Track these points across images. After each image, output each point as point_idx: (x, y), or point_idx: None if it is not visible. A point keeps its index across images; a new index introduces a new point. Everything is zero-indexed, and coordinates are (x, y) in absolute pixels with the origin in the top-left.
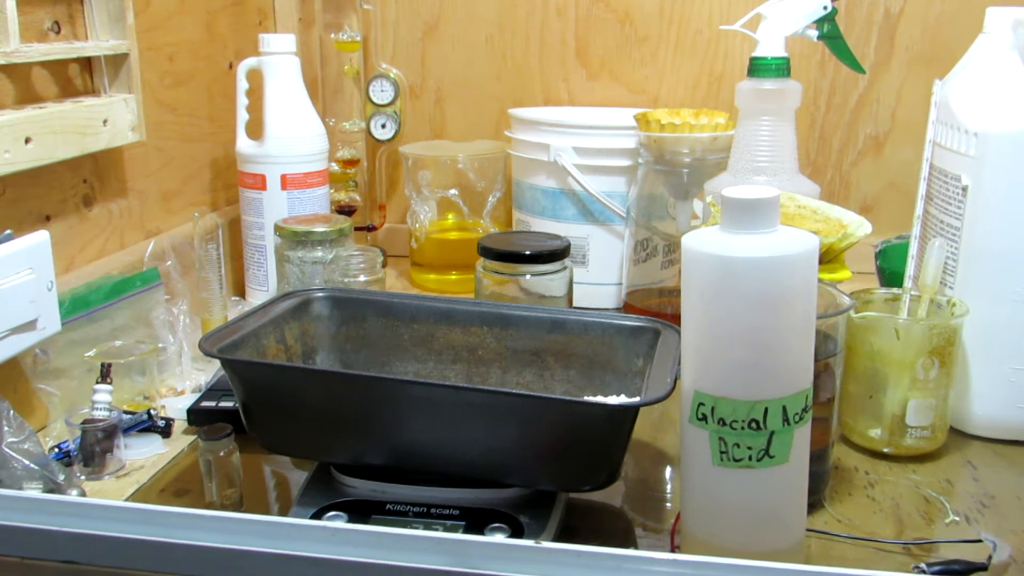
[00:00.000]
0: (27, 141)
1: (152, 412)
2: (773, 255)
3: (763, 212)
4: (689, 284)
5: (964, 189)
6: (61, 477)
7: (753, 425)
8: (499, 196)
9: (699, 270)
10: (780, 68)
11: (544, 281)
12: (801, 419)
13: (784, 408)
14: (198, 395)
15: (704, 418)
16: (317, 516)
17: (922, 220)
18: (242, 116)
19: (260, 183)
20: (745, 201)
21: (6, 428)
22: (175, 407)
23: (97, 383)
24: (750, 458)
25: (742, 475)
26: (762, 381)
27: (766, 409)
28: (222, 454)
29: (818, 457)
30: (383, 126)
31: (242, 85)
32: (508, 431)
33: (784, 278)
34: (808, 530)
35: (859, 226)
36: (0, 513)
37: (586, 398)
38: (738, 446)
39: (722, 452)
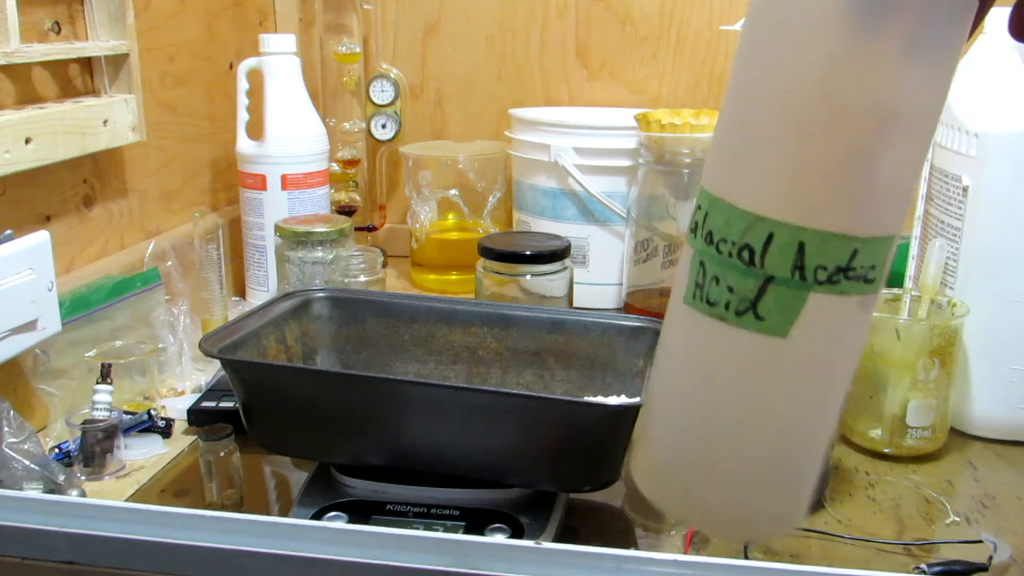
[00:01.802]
0: (27, 141)
1: (152, 412)
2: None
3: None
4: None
5: (965, 189)
6: (61, 477)
7: (744, 255)
8: (499, 196)
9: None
10: None
11: (544, 281)
12: (831, 282)
13: (801, 247)
14: (198, 395)
15: (695, 228)
16: (317, 516)
17: (922, 220)
18: (242, 116)
19: (260, 183)
20: None
21: (6, 428)
22: (175, 407)
23: (97, 383)
24: (727, 306)
25: (710, 331)
26: (783, 189)
27: (770, 236)
28: (222, 454)
29: None
30: (383, 126)
31: (242, 85)
32: (508, 431)
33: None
34: (808, 530)
35: None
36: (0, 513)
37: (586, 398)
38: (717, 281)
39: (697, 285)
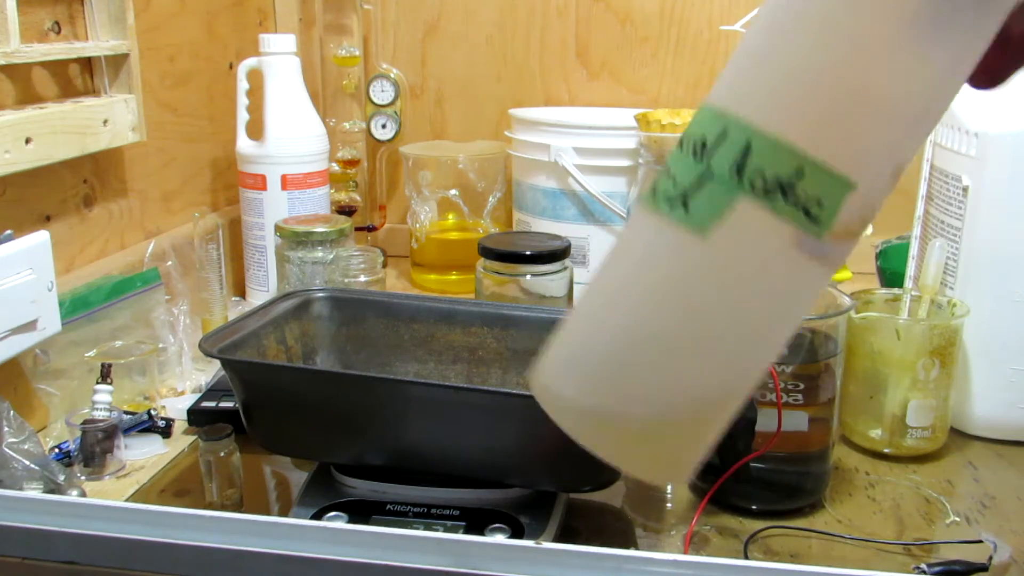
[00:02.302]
0: (27, 141)
1: (152, 412)
2: None
3: None
4: None
5: (964, 189)
6: (61, 477)
7: (697, 146)
8: (499, 196)
9: None
10: None
11: (544, 281)
12: (767, 193)
13: (748, 147)
14: (198, 395)
15: (682, 141)
16: (317, 516)
17: (922, 220)
18: (242, 116)
19: (260, 183)
20: None
21: (6, 428)
22: (175, 407)
23: (97, 383)
24: (667, 197)
25: (643, 223)
26: (753, 88)
27: (724, 130)
28: (222, 454)
29: (818, 457)
30: (383, 126)
31: (242, 85)
32: (508, 431)
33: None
34: (808, 530)
35: None
36: (0, 513)
37: None
38: (668, 175)
39: (654, 185)
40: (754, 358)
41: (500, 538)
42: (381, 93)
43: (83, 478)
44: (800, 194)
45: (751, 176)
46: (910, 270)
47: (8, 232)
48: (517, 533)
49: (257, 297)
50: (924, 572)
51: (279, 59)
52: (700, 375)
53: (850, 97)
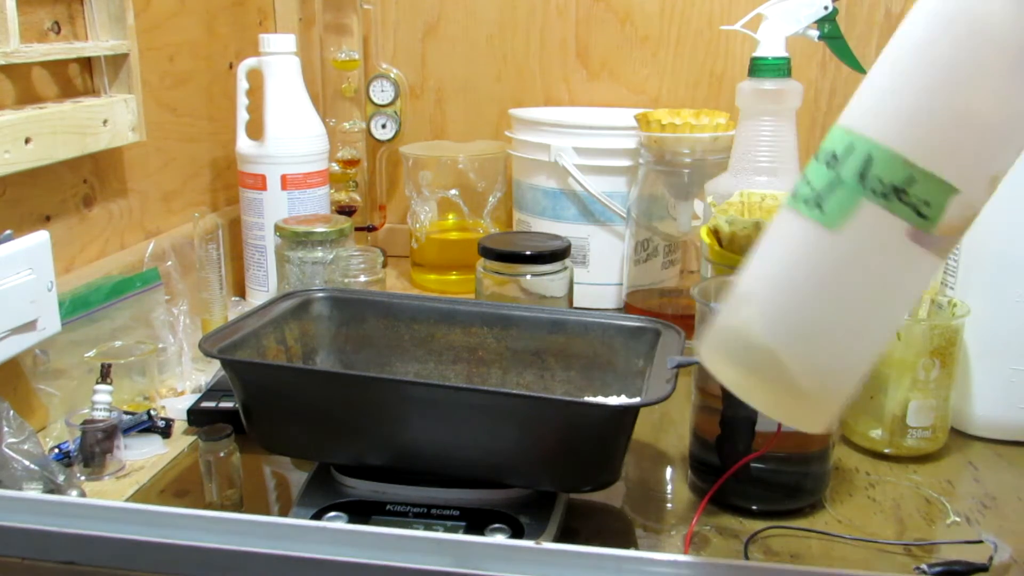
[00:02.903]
0: (27, 141)
1: (152, 413)
2: None
3: None
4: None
5: None
6: (61, 478)
7: (831, 160)
8: (499, 196)
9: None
10: (781, 68)
11: (544, 281)
12: (885, 196)
13: (868, 158)
14: (198, 395)
15: (817, 153)
16: (317, 517)
17: None
18: (242, 116)
19: (260, 183)
20: None
21: (6, 429)
22: (175, 407)
23: (97, 383)
24: (805, 200)
25: (787, 220)
26: (876, 110)
27: (851, 144)
28: (222, 455)
29: (818, 457)
30: (383, 126)
31: (242, 85)
32: (508, 432)
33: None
34: (808, 530)
35: None
36: (0, 513)
37: (586, 399)
38: (807, 183)
39: (795, 191)
40: (881, 331)
41: (500, 538)
42: (381, 93)
43: (83, 478)
44: (912, 196)
45: (872, 183)
46: None
47: (8, 232)
48: (517, 533)
49: (257, 297)
50: (924, 572)
51: (279, 59)
52: (837, 347)
53: (956, 120)
